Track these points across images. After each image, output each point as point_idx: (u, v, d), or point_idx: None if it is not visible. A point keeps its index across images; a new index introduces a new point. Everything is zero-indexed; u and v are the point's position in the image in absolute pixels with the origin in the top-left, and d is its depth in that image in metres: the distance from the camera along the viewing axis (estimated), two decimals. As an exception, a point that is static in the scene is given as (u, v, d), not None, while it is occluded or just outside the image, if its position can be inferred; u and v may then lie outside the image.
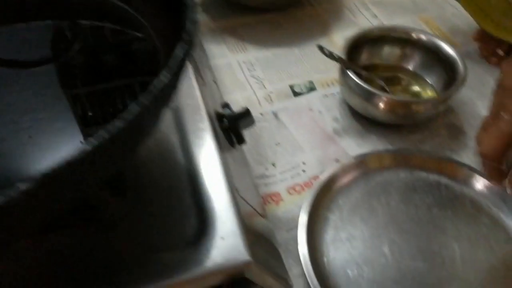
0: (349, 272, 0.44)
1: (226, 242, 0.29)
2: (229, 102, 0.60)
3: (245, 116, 0.39)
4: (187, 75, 0.40)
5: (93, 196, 0.27)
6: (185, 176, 0.32)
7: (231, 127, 0.40)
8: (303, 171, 0.54)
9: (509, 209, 0.48)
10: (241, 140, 0.41)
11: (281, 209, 0.50)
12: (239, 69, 0.68)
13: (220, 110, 0.40)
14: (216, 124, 0.39)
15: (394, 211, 0.50)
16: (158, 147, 0.33)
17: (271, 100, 0.63)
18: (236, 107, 0.58)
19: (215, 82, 0.53)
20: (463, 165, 0.53)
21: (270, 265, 0.32)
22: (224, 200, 0.31)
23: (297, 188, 0.52)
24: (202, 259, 0.28)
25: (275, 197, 0.51)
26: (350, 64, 0.58)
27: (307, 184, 0.52)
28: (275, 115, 0.61)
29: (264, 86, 0.65)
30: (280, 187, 0.52)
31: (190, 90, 0.38)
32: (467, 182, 0.51)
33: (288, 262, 0.45)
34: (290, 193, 0.51)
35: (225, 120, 0.41)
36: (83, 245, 0.29)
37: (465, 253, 0.45)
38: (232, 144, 0.41)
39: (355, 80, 0.56)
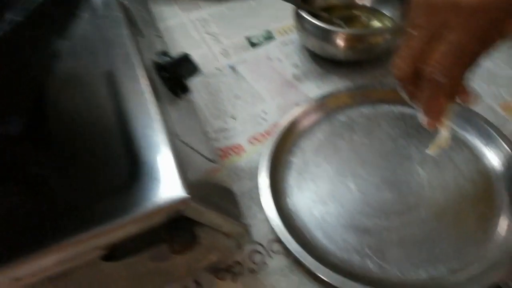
0: (315, 211, 0.43)
1: (162, 182, 0.27)
2: (184, 61, 0.58)
3: (184, 62, 0.37)
4: (117, 25, 0.37)
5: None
6: (116, 124, 0.30)
7: (172, 76, 0.38)
8: (264, 119, 0.52)
9: (474, 129, 0.47)
10: (184, 89, 0.39)
11: (244, 160, 0.49)
12: (193, 28, 0.65)
13: (159, 60, 0.38)
14: (154, 73, 0.37)
15: (358, 147, 0.48)
16: (84, 97, 0.31)
17: (228, 54, 0.61)
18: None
19: (159, 37, 0.50)
20: (426, 92, 0.51)
21: (220, 206, 0.31)
22: (159, 144, 0.29)
23: (259, 137, 0.51)
24: (138, 201, 0.27)
25: (236, 149, 0.50)
26: (305, 6, 0.56)
27: (268, 132, 0.51)
28: (233, 68, 0.59)
29: (219, 41, 0.63)
30: (241, 139, 0.51)
31: (120, 39, 0.36)
32: (431, 109, 0.50)
33: (252, 209, 0.44)
34: (252, 143, 0.50)
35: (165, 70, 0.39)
36: (15, 203, 0.27)
37: (432, 177, 0.45)
38: (176, 94, 0.39)
39: (310, 21, 0.54)
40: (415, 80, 0.31)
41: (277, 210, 0.42)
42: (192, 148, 0.32)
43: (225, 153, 0.49)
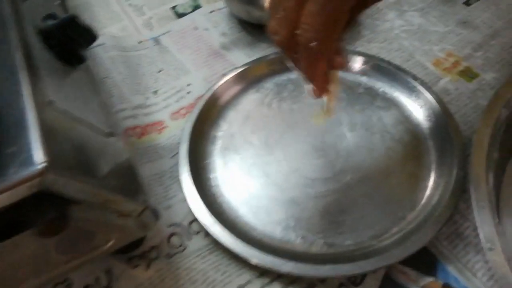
0: (240, 186, 0.41)
1: (20, 151, 0.23)
2: (103, 36, 0.53)
3: (73, 26, 0.33)
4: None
5: None
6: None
7: (59, 43, 0.34)
8: (188, 93, 0.49)
9: (403, 87, 0.45)
10: (79, 58, 0.35)
11: (165, 136, 0.45)
12: (114, 1, 0.60)
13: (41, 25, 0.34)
14: (37, 41, 0.32)
15: (286, 115, 0.46)
16: None
17: (151, 26, 0.57)
18: (112, 41, 0.52)
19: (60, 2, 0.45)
20: (357, 53, 0.49)
21: (106, 182, 0.28)
22: (23, 111, 0.25)
23: (182, 112, 0.47)
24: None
25: (158, 125, 0.46)
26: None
27: (192, 106, 0.47)
28: (157, 41, 0.55)
29: (143, 12, 0.58)
30: (163, 114, 0.47)
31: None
32: (361, 71, 0.48)
33: (173, 188, 0.41)
34: (174, 119, 0.47)
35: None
36: None
37: (360, 141, 0.42)
38: (70, 64, 0.35)
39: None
40: (294, 45, 0.28)
41: (197, 188, 0.39)
42: (75, 119, 0.29)
43: (144, 130, 0.45)
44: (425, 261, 0.35)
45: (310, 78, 0.30)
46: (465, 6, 0.56)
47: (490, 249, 0.30)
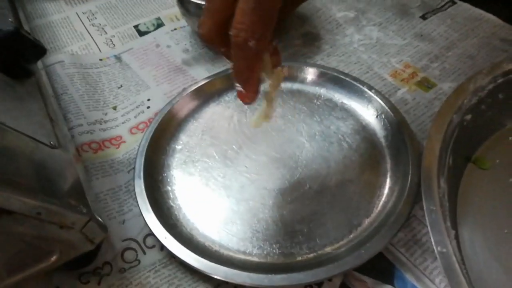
0: (198, 198, 0.40)
1: None
2: (62, 54, 0.53)
3: (15, 38, 0.33)
4: None
5: None
6: None
7: (5, 56, 0.33)
8: (148, 107, 0.48)
9: (360, 99, 0.46)
10: (23, 72, 0.34)
11: (122, 151, 0.44)
12: (78, 21, 0.61)
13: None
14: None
15: (246, 128, 0.45)
16: None
17: (112, 44, 0.57)
18: (71, 59, 0.51)
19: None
20: (316, 65, 0.49)
21: (43, 194, 0.27)
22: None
23: (141, 127, 0.47)
24: None
25: (115, 140, 0.45)
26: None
27: (151, 120, 0.46)
28: (118, 58, 0.54)
29: (105, 31, 0.58)
30: (122, 129, 0.46)
31: None
32: (319, 83, 0.48)
33: (128, 203, 0.40)
34: (132, 133, 0.46)
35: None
36: None
37: (318, 150, 0.42)
38: (15, 77, 0.34)
39: (192, 1, 0.50)
40: (222, 39, 0.27)
41: (153, 201, 0.38)
42: (8, 130, 0.28)
43: (100, 145, 0.44)
44: (382, 268, 0.35)
45: (246, 80, 0.29)
46: (422, 20, 0.57)
47: (441, 252, 0.30)
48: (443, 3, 0.59)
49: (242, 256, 0.36)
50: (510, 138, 0.43)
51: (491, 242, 0.35)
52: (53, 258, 0.30)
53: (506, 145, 0.42)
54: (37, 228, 0.27)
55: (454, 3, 0.59)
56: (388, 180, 0.39)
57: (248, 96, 0.30)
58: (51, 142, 0.32)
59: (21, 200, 0.24)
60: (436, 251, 0.30)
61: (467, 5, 0.59)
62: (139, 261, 0.36)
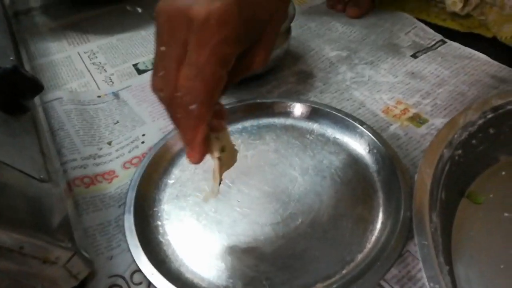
0: (188, 235, 0.39)
1: None
2: (61, 91, 0.54)
3: (13, 75, 0.34)
4: None
5: None
6: None
7: (3, 93, 0.34)
8: (143, 142, 0.49)
9: (352, 134, 0.46)
10: (19, 108, 0.35)
11: (115, 186, 0.44)
12: (79, 60, 0.63)
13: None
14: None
15: (240, 162, 0.45)
16: None
17: (111, 81, 0.58)
18: (69, 95, 0.53)
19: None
20: (309, 102, 0.50)
21: (28, 229, 0.27)
22: None
23: (134, 161, 0.47)
24: None
25: (108, 175, 0.45)
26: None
27: (145, 155, 0.47)
28: (116, 95, 0.56)
29: (104, 70, 0.60)
30: (115, 164, 0.47)
31: None
32: (312, 118, 0.49)
33: (117, 238, 0.40)
34: (125, 168, 0.46)
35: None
36: None
37: (311, 185, 0.42)
38: (11, 113, 0.35)
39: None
40: (174, 105, 0.26)
41: (142, 236, 0.38)
42: (2, 163, 0.28)
43: (93, 180, 0.44)
44: (376, 306, 0.34)
45: (188, 141, 0.28)
46: (413, 58, 0.59)
47: (434, 288, 0.29)
48: (433, 43, 0.61)
49: (231, 293, 0.35)
50: (504, 173, 0.43)
51: (487, 278, 0.34)
52: (35, 293, 0.29)
53: (499, 180, 0.42)
54: (19, 262, 0.26)
55: (444, 42, 0.61)
56: (380, 215, 0.39)
57: (193, 156, 0.29)
58: (41, 176, 0.32)
59: (5, 234, 0.24)
60: (428, 287, 0.29)
61: (457, 44, 0.60)
62: (126, 298, 0.35)
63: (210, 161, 0.45)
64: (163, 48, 0.25)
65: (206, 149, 0.29)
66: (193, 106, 0.25)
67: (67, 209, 0.33)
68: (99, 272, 0.36)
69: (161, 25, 0.25)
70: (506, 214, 0.39)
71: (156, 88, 0.27)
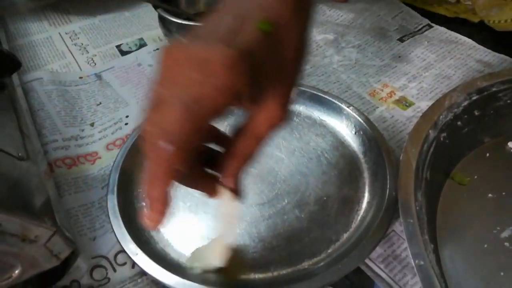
0: (173, 214, 0.38)
1: None
2: (42, 71, 0.53)
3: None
4: None
5: None
6: None
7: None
8: (126, 124, 0.48)
9: (339, 116, 0.46)
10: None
11: (98, 167, 0.43)
12: (60, 40, 0.61)
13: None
14: None
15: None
16: None
17: (94, 63, 0.57)
18: (50, 76, 0.51)
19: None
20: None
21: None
22: None
23: (118, 143, 0.46)
24: None
25: (91, 157, 0.44)
26: (164, 4, 0.53)
27: (128, 136, 0.46)
28: (99, 76, 0.54)
29: (86, 51, 0.59)
30: (98, 145, 0.45)
31: None
32: (298, 100, 0.48)
33: (100, 218, 0.39)
34: (109, 149, 0.45)
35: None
36: None
37: (298, 166, 0.42)
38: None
39: (172, 20, 0.51)
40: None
41: (126, 217, 0.37)
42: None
43: (75, 161, 0.43)
44: (361, 284, 0.34)
45: (153, 191, 0.24)
46: (399, 42, 0.59)
47: (419, 265, 0.29)
48: (420, 27, 0.61)
49: (217, 274, 0.34)
50: (488, 155, 0.43)
51: (471, 257, 0.35)
52: (15, 273, 0.28)
53: (484, 161, 0.42)
54: (-2, 239, 0.26)
55: (431, 26, 0.61)
56: (366, 195, 0.39)
57: (151, 218, 0.25)
58: (20, 154, 0.31)
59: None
60: (413, 263, 0.29)
61: (443, 29, 0.60)
62: (109, 279, 0.34)
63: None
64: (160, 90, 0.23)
65: (166, 210, 0.25)
66: (162, 143, 0.22)
67: (47, 189, 0.32)
68: (82, 253, 0.35)
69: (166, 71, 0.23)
70: (490, 195, 0.39)
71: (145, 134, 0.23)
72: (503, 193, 0.39)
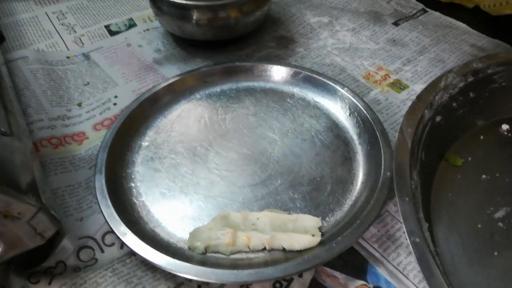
0: (163, 196, 0.38)
1: None
2: (27, 50, 0.51)
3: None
4: None
5: None
6: None
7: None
8: (115, 104, 0.47)
9: (333, 97, 0.45)
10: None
11: (85, 147, 0.42)
12: (47, 20, 0.59)
13: None
14: None
15: (217, 125, 0.44)
16: None
17: (81, 43, 0.55)
18: (35, 55, 0.50)
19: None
20: (289, 65, 0.49)
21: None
22: None
23: (106, 123, 0.44)
24: None
25: (78, 137, 0.43)
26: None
27: (117, 116, 0.44)
28: (87, 56, 0.53)
29: (74, 31, 0.57)
30: (85, 126, 0.44)
31: None
32: (292, 82, 0.47)
33: (88, 199, 0.38)
34: (96, 130, 0.44)
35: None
36: None
37: (291, 147, 0.41)
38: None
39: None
40: None
41: (114, 197, 0.36)
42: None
43: (61, 141, 0.42)
44: (355, 264, 0.33)
45: None
46: (394, 26, 0.58)
47: (414, 243, 0.29)
48: (414, 11, 0.60)
49: (209, 254, 0.33)
50: (482, 137, 0.43)
51: (465, 237, 0.35)
52: (-3, 251, 0.27)
53: (477, 143, 0.42)
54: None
55: (425, 11, 0.60)
56: (360, 176, 0.38)
57: None
58: (2, 129, 0.30)
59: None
60: (409, 241, 0.29)
61: (437, 14, 0.60)
62: (96, 260, 0.33)
63: (186, 124, 0.44)
64: None
65: None
66: None
67: (32, 167, 0.31)
68: (68, 233, 0.34)
69: None
70: (484, 176, 0.39)
71: None
72: (497, 174, 0.39)
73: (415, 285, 0.32)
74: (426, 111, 0.39)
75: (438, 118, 0.40)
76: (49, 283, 0.31)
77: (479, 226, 0.35)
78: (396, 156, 0.34)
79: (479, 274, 0.32)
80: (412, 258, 0.34)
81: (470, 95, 0.42)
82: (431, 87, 0.40)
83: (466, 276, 0.32)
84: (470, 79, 0.42)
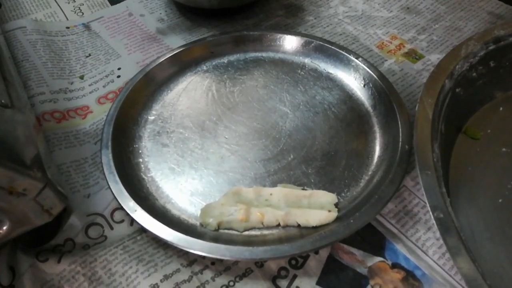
0: (173, 171, 0.36)
1: None
2: (24, 20, 0.49)
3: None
4: None
5: None
6: None
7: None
8: (118, 76, 0.45)
9: (347, 68, 0.43)
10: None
11: (89, 122, 0.40)
12: (44, -12, 0.56)
13: None
14: None
15: (226, 98, 0.42)
16: None
17: (81, 12, 0.52)
18: (34, 25, 0.47)
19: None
20: (300, 34, 0.46)
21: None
22: None
23: (110, 96, 0.43)
24: None
25: (82, 111, 0.41)
26: None
27: (121, 89, 0.43)
28: (87, 27, 0.50)
29: (73, 0, 0.54)
30: (89, 99, 0.42)
31: None
32: (303, 52, 0.45)
33: (95, 175, 0.36)
34: (101, 103, 0.42)
35: None
36: None
37: (303, 120, 0.40)
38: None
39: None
40: None
41: (122, 173, 0.35)
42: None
43: (64, 115, 0.40)
44: (373, 241, 0.32)
45: None
46: (408, -7, 0.55)
47: (438, 218, 0.28)
48: (429, -23, 0.57)
49: (221, 231, 0.32)
50: (501, 109, 0.41)
51: (486, 212, 0.33)
52: (3, 229, 0.26)
53: (497, 115, 0.41)
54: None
55: (441, -23, 0.57)
56: (377, 149, 0.37)
57: None
58: (3, 101, 0.28)
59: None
60: (432, 216, 0.28)
61: (453, -21, 0.57)
62: (106, 237, 0.32)
63: (193, 97, 0.42)
64: None
65: None
66: None
67: (36, 141, 0.29)
68: (75, 210, 0.33)
69: None
70: (504, 149, 0.38)
71: None
72: (518, 147, 0.38)
73: (434, 262, 0.31)
74: (446, 80, 0.37)
75: (457, 89, 0.38)
76: (58, 261, 0.30)
77: (500, 201, 0.34)
78: (417, 128, 0.33)
79: (500, 250, 0.31)
80: (431, 234, 0.33)
81: (490, 64, 0.40)
82: (452, 56, 0.38)
83: (487, 253, 0.31)
84: (492, 47, 0.40)
